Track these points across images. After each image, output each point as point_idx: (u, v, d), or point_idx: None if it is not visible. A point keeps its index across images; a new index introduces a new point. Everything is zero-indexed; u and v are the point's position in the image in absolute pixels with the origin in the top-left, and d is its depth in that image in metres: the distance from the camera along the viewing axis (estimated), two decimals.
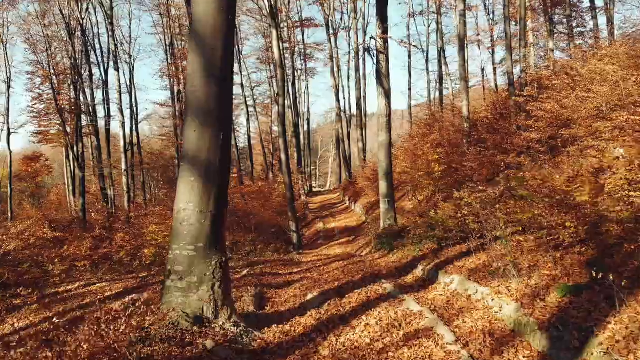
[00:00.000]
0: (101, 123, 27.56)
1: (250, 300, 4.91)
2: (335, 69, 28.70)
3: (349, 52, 34.13)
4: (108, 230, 12.84)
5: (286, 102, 25.35)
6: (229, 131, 3.57)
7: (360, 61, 23.48)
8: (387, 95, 12.13)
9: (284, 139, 16.29)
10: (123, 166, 22.20)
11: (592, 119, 10.73)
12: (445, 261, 6.61)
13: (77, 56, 25.83)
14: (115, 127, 30.72)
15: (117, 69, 22.80)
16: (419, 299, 5.52)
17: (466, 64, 16.28)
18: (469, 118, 15.46)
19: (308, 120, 38.87)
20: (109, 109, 25.46)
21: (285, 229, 17.67)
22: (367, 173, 21.27)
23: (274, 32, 15.52)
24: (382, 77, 12.03)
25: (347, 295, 5.75)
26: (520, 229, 5.08)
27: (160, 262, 10.16)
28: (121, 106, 22.71)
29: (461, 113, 19.49)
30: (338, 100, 26.45)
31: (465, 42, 16.77)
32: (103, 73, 26.14)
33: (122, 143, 22.61)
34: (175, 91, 26.51)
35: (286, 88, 23.58)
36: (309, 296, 5.66)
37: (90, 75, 25.36)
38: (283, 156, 16.43)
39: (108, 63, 24.03)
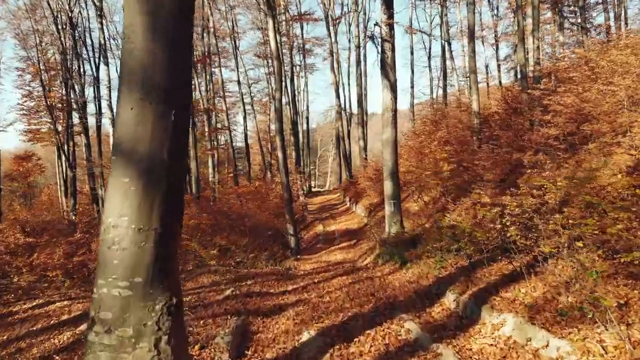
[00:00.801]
0: (93, 121, 26.55)
1: (225, 344, 3.71)
2: (335, 65, 27.69)
3: (349, 48, 33.15)
4: (90, 235, 11.81)
5: (284, 98, 24.31)
6: (185, 113, 2.47)
7: (362, 56, 22.49)
8: (393, 87, 11.10)
9: (280, 137, 15.25)
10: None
11: (614, 113, 9.78)
12: (486, 288, 4.95)
13: (66, 51, 24.84)
14: (107, 124, 29.75)
15: (106, 64, 21.80)
16: (460, 351, 3.88)
17: (475, 56, 15.25)
18: (479, 113, 14.44)
19: (307, 118, 37.85)
20: (99, 105, 24.45)
21: (282, 232, 16.65)
22: (368, 172, 20.24)
23: (270, 21, 14.48)
24: (387, 68, 11.00)
25: (355, 340, 4.30)
26: (581, 245, 3.88)
27: None
28: (110, 102, 21.67)
29: (469, 109, 18.47)
30: (338, 96, 25.44)
31: (475, 32, 15.73)
32: (94, 69, 25.11)
33: (111, 140, 21.52)
34: None
35: (284, 83, 22.54)
36: (305, 336, 4.37)
37: (79, 70, 24.32)
38: (280, 155, 15.41)
39: (99, 57, 23.00)
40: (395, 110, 11.17)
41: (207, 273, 6.78)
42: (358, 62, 22.59)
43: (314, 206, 24.09)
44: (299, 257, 13.78)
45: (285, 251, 16.13)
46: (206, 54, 20.87)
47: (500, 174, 12.27)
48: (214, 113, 22.22)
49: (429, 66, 34.40)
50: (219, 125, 22.43)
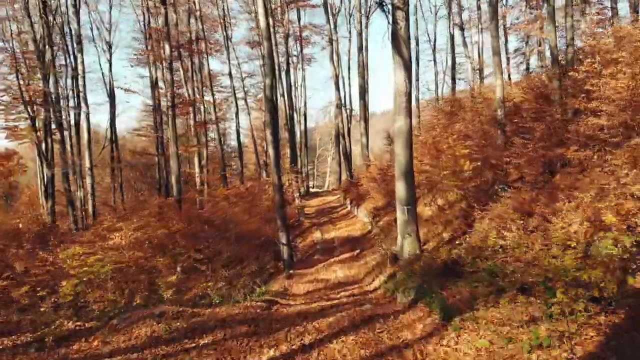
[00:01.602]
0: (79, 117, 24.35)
1: None
2: (335, 58, 25.51)
3: (349, 39, 31.00)
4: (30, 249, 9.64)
5: (278, 89, 22.11)
6: None
7: (364, 41, 20.27)
8: (407, 65, 8.94)
9: (272, 130, 13.08)
10: (87, 164, 19.01)
11: None
12: None
13: (41, 40, 22.73)
14: (96, 121, 27.57)
15: (80, 51, 19.58)
16: None
17: (498, 36, 13.09)
18: (503, 102, 12.27)
19: (305, 115, 35.68)
20: (78, 99, 22.22)
21: (274, 240, 14.49)
22: (372, 172, 18.08)
23: None
24: (400, 41, 8.83)
25: None
26: None
27: (82, 300, 6.98)
28: (85, 94, 19.53)
29: (487, 100, 16.31)
30: (338, 89, 23.30)
31: (498, 9, 13.54)
32: (72, 60, 22.91)
33: (85, 136, 19.37)
34: (154, 78, 23.30)
35: (277, 72, 20.36)
36: None
37: (53, 60, 22.14)
38: (271, 151, 13.23)
39: (73, 46, 20.79)
40: (409, 94, 9.01)
41: (150, 318, 4.67)
42: (360, 50, 20.44)
43: (312, 209, 21.91)
44: (291, 272, 11.61)
45: (277, 262, 14.01)
46: (192, 40, 18.71)
47: (536, 172, 10.13)
48: (201, 106, 20.02)
49: (434, 59, 32.24)
50: (209, 122, 20.29)
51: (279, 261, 13.63)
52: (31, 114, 21.61)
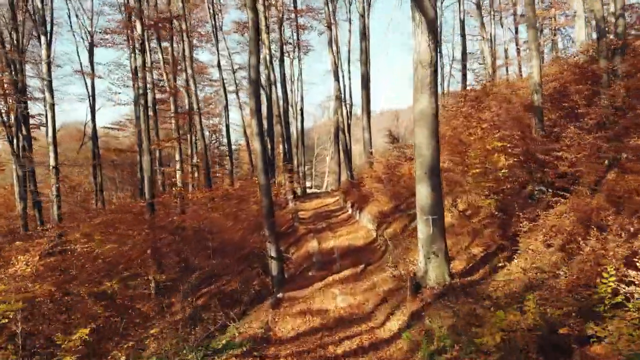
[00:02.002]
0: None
1: None
2: (334, 46, 23.17)
3: (349, 29, 28.67)
4: None
5: (271, 77, 19.73)
6: None
7: (367, 21, 17.93)
8: (431, 26, 6.64)
9: (257, 118, 10.77)
10: (51, 162, 16.63)
11: None
12: None
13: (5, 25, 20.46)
14: (77, 117, 25.24)
15: (45, 34, 17.20)
16: None
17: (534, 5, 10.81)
18: (540, 85, 9.96)
19: (301, 110, 33.36)
20: (50, 88, 19.79)
21: (262, 251, 12.21)
22: (376, 171, 15.77)
23: None
24: None
25: None
26: None
27: None
28: (50, 82, 17.11)
29: (512, 86, 14.12)
30: (337, 79, 20.99)
31: None
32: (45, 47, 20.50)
33: (49, 131, 16.99)
34: (134, 66, 20.89)
35: (262, 53, 18.06)
36: None
37: (18, 46, 19.80)
38: (257, 145, 10.93)
39: (37, 29, 18.35)
40: (435, 64, 6.70)
41: None
42: (362, 35, 18.11)
43: (308, 212, 19.56)
44: (280, 296, 9.27)
45: (265, 277, 11.75)
46: (170, 17, 16.35)
47: (596, 170, 7.83)
48: (188, 97, 17.63)
49: (440, 51, 30.03)
50: (191, 113, 17.85)
51: (268, 276, 11.35)
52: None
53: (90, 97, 26.43)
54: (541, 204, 8.54)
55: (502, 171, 8.66)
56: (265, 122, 26.28)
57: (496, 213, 8.79)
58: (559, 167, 8.01)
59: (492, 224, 8.78)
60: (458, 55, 35.76)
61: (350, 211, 17.68)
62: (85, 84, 26.07)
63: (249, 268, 13.04)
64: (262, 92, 28.48)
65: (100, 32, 23.56)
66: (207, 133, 35.78)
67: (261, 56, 25.01)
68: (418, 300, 6.26)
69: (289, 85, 35.12)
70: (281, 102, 21.79)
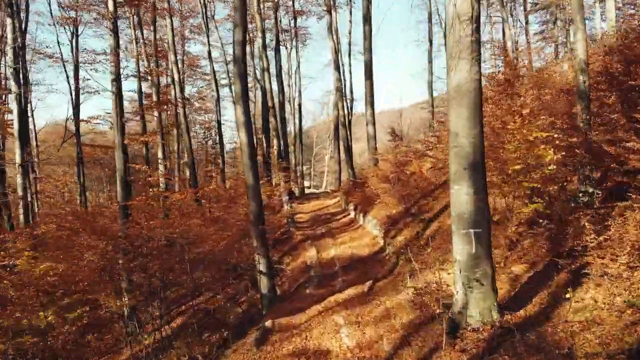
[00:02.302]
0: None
1: None
2: (334, 34, 21.32)
3: (350, 20, 26.85)
4: None
5: (263, 64, 17.82)
6: None
7: (370, 6, 16.03)
8: None
9: (243, 105, 8.95)
10: (17, 159, 14.77)
11: None
12: None
13: None
14: (57, 114, 23.41)
15: (12, 15, 15.31)
16: None
17: None
18: (586, 64, 8.13)
19: (300, 106, 31.56)
20: (17, 77, 17.92)
21: (251, 264, 10.40)
22: (383, 170, 13.94)
23: None
24: None
25: None
26: None
27: None
28: (16, 70, 15.23)
29: (538, 74, 12.35)
30: (338, 69, 19.13)
31: None
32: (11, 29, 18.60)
33: (15, 125, 15.11)
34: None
35: (247, 16, 16.20)
36: None
37: None
38: (242, 136, 9.10)
39: (8, 11, 16.45)
40: (478, 19, 4.89)
41: None
42: (365, 19, 16.26)
43: (305, 216, 17.72)
44: (268, 325, 7.41)
45: (255, 293, 10.00)
46: None
47: None
48: (173, 88, 15.74)
49: (445, 44, 28.21)
50: (169, 103, 15.88)
51: (256, 292, 9.56)
52: None
53: (73, 90, 24.50)
54: (594, 208, 6.74)
55: (550, 167, 6.83)
56: (261, 120, 24.41)
57: (541, 221, 6.97)
58: (629, 162, 6.17)
59: (537, 235, 6.95)
60: None
61: (352, 214, 15.84)
62: (66, 75, 24.13)
63: (236, 281, 11.22)
64: (257, 84, 26.61)
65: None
66: (198, 129, 33.96)
67: (255, 44, 23.21)
68: (458, 350, 4.42)
69: (286, 79, 33.35)
70: (278, 96, 19.93)
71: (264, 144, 24.85)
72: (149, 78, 15.52)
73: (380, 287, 8.75)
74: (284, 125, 19.78)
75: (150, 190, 12.67)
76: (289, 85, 33.44)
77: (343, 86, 21.09)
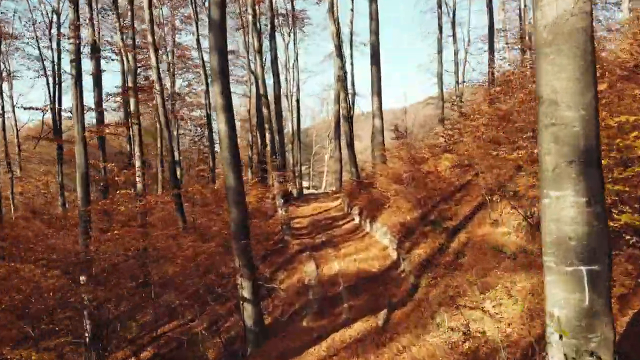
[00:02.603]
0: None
1: None
2: (336, 15, 19.24)
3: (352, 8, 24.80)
4: None
5: (254, 46, 15.72)
6: None
7: None
8: None
9: (221, 84, 6.93)
10: None
11: None
12: None
13: None
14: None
15: None
16: None
17: None
18: None
19: (298, 102, 29.54)
20: None
21: (237, 280, 8.37)
22: (395, 168, 11.92)
23: None
24: None
25: None
26: None
27: None
28: None
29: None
30: (340, 55, 17.09)
31: None
32: None
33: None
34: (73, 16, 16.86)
35: (247, 11, 14.19)
36: None
37: None
38: (222, 125, 7.07)
39: None
40: None
41: None
42: None
43: (304, 220, 15.69)
44: None
45: (239, 320, 8.04)
46: None
47: None
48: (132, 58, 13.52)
49: (453, 34, 26.28)
50: (143, 89, 13.71)
51: (240, 326, 7.57)
52: None
53: (51, 79, 22.35)
54: None
55: None
56: (261, 121, 22.33)
57: (629, 237, 5.00)
58: None
59: (630, 258, 4.95)
60: (474, 36, 31.92)
61: (357, 220, 13.82)
62: (42, 62, 21.96)
63: (217, 304, 9.20)
64: (252, 78, 24.54)
65: None
66: (191, 126, 31.92)
67: (249, 31, 21.16)
68: None
69: (284, 73, 31.31)
70: (270, 85, 17.90)
71: (259, 142, 22.88)
72: (126, 60, 13.45)
73: (399, 319, 6.75)
74: (280, 119, 17.76)
75: (118, 192, 10.60)
76: (286, 80, 31.46)
77: (344, 73, 19.03)
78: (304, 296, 8.87)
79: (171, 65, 26.78)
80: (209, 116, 20.65)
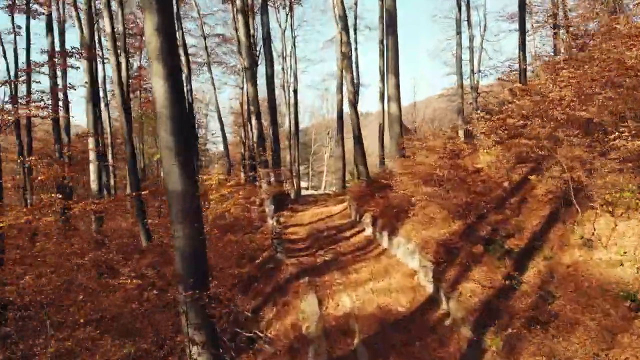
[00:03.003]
0: None
1: None
2: None
3: None
4: None
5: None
6: None
7: None
8: None
9: (160, 15, 3.91)
10: None
11: None
12: None
13: None
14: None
15: None
16: None
17: None
18: None
19: (295, 92, 26.52)
20: None
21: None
22: (423, 164, 8.88)
23: None
24: None
25: None
26: None
27: None
28: None
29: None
30: (346, 28, 14.03)
31: None
32: None
33: None
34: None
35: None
36: None
37: None
38: (158, 86, 4.05)
39: None
40: None
41: None
42: None
43: (301, 229, 12.66)
44: None
45: None
46: None
47: None
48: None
49: (467, 18, 23.26)
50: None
51: None
52: None
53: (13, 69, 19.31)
54: None
55: None
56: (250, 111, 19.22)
57: None
58: None
59: None
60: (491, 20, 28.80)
61: (369, 231, 10.84)
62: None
63: None
64: (237, 43, 21.34)
65: None
66: None
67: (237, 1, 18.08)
68: None
69: (280, 62, 28.30)
70: (266, 69, 14.89)
71: (251, 134, 19.90)
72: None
73: None
74: (273, 103, 14.61)
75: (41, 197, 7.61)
76: (283, 69, 28.46)
77: (350, 55, 16.00)
78: (302, 352, 5.89)
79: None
80: (190, 104, 17.62)
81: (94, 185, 11.33)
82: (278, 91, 31.54)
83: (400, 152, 10.88)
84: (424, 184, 8.47)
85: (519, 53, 17.18)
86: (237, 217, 8.37)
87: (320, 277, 8.45)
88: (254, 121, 9.72)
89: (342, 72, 23.24)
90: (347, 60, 14.81)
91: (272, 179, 9.87)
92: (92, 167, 11.31)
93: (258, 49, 18.19)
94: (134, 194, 9.98)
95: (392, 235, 9.23)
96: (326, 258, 9.49)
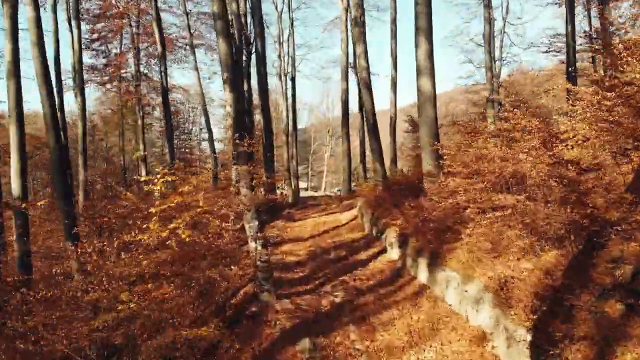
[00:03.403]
0: None
1: None
2: None
3: None
4: None
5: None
6: None
7: None
8: None
9: None
10: None
11: None
12: None
13: None
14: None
15: None
16: None
17: None
18: None
19: (293, 80, 23.46)
20: None
21: None
22: (486, 157, 5.76)
23: None
24: None
25: None
26: None
27: None
28: None
29: None
30: None
31: None
32: None
33: None
34: None
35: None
36: None
37: None
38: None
39: None
40: None
41: None
42: None
43: (299, 248, 9.53)
44: None
45: None
46: None
47: None
48: None
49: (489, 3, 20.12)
50: None
51: None
52: None
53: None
54: None
55: None
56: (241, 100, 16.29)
57: None
58: None
59: None
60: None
61: (394, 253, 7.70)
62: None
63: None
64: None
65: None
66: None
67: None
68: None
69: (277, 49, 25.22)
70: (257, 44, 11.74)
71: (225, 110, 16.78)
72: None
73: None
74: (266, 100, 11.45)
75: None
76: (279, 57, 25.37)
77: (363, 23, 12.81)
78: None
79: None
80: (165, 90, 14.45)
81: (14, 186, 8.34)
82: (275, 81, 28.54)
83: (434, 140, 7.75)
84: (492, 188, 5.35)
85: (567, 27, 14.14)
86: (196, 242, 5.22)
87: (327, 336, 5.32)
88: (227, 93, 6.52)
89: (347, 56, 20.16)
90: (359, 28, 11.69)
91: (257, 180, 6.73)
92: (14, 161, 8.39)
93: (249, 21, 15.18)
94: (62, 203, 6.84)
95: (434, 266, 6.11)
96: (336, 299, 6.36)
